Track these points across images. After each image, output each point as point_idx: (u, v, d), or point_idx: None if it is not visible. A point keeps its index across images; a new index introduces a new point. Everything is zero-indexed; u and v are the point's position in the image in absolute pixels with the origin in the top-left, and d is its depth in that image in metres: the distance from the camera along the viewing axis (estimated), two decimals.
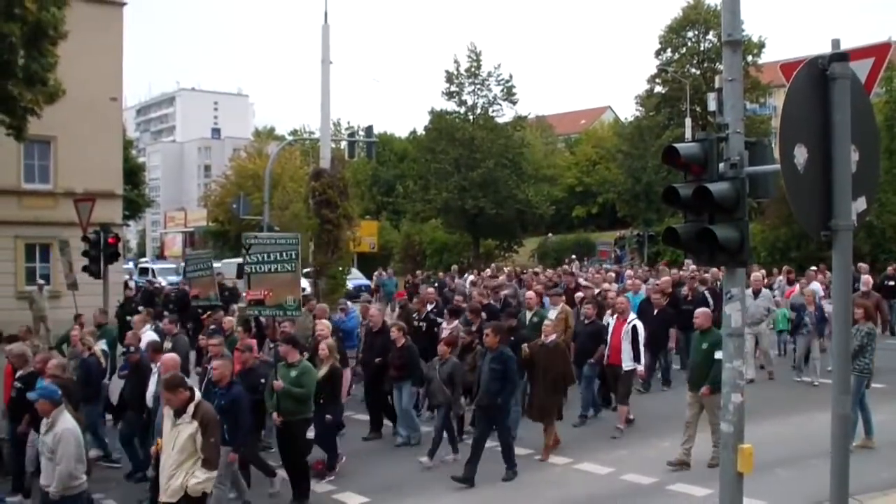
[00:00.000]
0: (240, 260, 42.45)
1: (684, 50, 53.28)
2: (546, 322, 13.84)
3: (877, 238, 35.07)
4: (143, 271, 47.98)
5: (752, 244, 7.62)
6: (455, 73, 55.28)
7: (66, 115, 25.94)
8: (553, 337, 13.23)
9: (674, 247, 8.80)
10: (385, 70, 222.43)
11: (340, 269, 26.33)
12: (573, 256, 43.64)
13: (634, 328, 14.35)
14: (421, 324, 16.75)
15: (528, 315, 15.92)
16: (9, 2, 20.15)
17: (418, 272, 39.06)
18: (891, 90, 36.48)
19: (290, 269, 13.47)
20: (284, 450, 11.53)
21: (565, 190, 67.50)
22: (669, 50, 53.69)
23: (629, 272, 24.35)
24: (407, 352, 13.96)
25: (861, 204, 6.68)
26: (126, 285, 31.47)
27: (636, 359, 14.28)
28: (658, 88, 54.53)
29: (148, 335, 14.84)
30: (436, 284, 29.59)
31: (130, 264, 54.56)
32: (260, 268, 13.80)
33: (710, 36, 51.52)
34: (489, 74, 55.58)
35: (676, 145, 7.36)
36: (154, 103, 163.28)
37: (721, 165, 7.06)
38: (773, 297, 21.05)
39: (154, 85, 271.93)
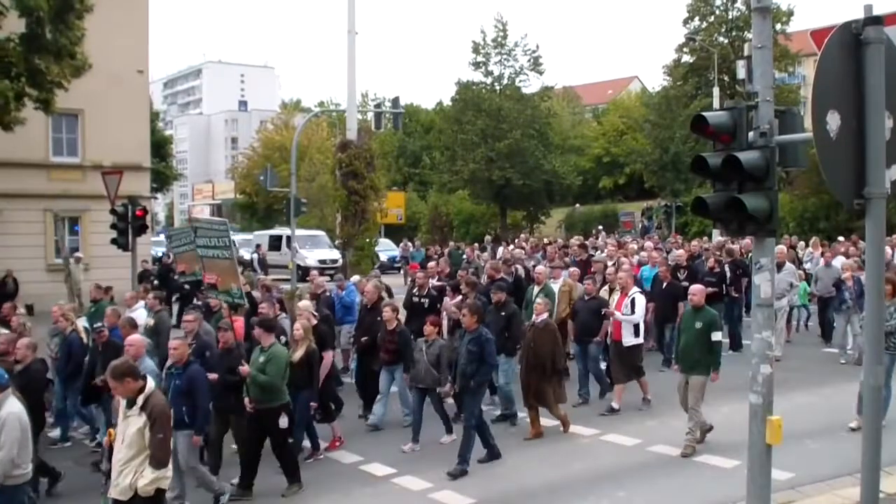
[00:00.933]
0: (273, 231, 43.28)
1: (712, 18, 52.56)
2: (537, 301, 13.38)
3: None
4: None
5: (780, 214, 7.52)
6: (481, 43, 55.07)
7: (94, 89, 26.08)
8: (544, 316, 12.78)
9: (703, 217, 8.73)
10: (411, 40, 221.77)
11: (367, 240, 26.36)
12: (600, 227, 43.47)
13: (633, 301, 13.88)
14: (423, 300, 15.40)
15: (536, 290, 15.31)
16: None
17: (451, 243, 38.97)
18: None
19: (227, 255, 13.29)
20: (251, 435, 10.76)
21: (592, 160, 67.29)
22: (697, 18, 53.00)
23: (649, 244, 24.07)
24: (399, 336, 13.00)
25: (895, 172, 6.58)
26: (161, 260, 31.62)
27: (636, 333, 13.87)
28: (686, 58, 54.02)
29: (140, 312, 14.43)
30: (464, 257, 29.50)
31: (162, 237, 54.84)
32: (208, 252, 13.67)
33: (739, 4, 50.85)
34: (516, 44, 55.38)
35: (705, 114, 7.30)
36: (181, 76, 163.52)
37: (751, 134, 6.98)
38: (806, 269, 20.88)
39: (180, 58, 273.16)
